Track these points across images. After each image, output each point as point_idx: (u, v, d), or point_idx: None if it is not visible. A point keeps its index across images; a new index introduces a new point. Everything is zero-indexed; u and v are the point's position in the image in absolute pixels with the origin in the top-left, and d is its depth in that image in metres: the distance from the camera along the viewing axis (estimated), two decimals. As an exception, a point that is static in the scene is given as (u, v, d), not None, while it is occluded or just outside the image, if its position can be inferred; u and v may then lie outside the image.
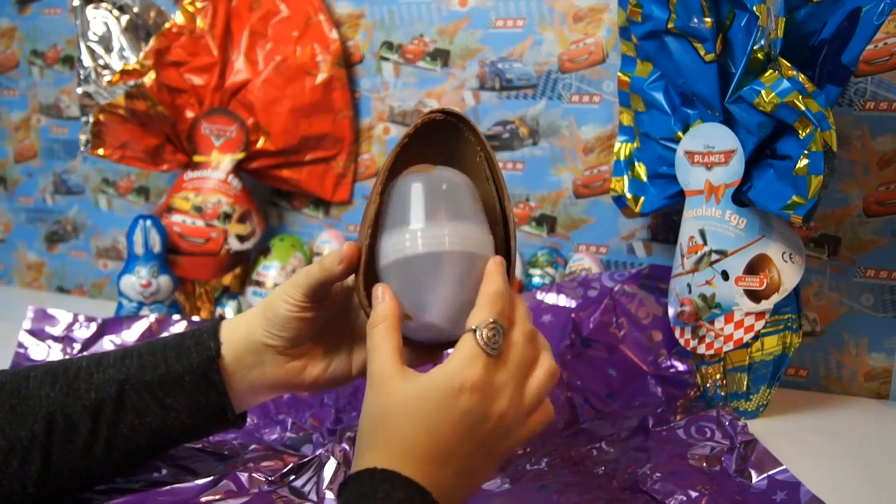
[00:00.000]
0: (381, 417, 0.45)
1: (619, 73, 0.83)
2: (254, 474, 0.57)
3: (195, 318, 0.93)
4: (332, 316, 0.58)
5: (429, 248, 0.49)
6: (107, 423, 0.53)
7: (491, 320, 0.46)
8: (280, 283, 0.56)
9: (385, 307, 0.48)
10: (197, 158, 1.04)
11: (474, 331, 0.46)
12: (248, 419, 0.77)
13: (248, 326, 0.56)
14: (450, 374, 0.45)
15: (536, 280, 0.94)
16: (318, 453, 0.58)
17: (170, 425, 0.55)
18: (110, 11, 1.03)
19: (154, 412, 0.54)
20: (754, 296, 0.72)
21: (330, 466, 0.57)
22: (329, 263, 0.53)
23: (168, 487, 0.55)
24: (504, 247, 0.53)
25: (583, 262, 0.93)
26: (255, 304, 1.03)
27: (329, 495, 0.55)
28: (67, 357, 0.55)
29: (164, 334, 0.74)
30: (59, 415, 0.53)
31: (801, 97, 0.64)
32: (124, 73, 0.99)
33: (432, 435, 0.44)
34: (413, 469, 0.43)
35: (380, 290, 0.49)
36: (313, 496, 0.56)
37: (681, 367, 0.81)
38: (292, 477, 0.57)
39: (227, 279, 1.06)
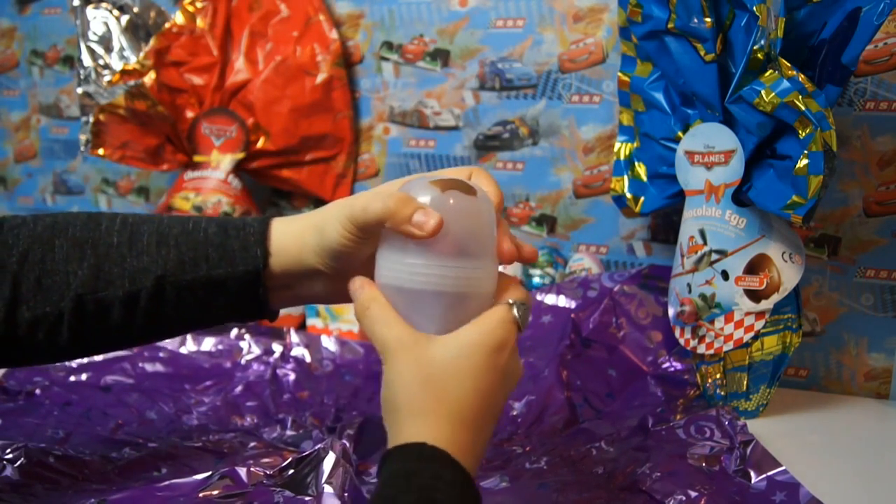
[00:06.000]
0: (423, 382, 0.44)
1: (619, 73, 0.83)
2: (252, 469, 0.57)
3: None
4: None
5: (424, 286, 0.47)
6: (142, 313, 0.53)
7: (524, 301, 0.48)
8: (334, 205, 0.53)
9: (368, 292, 0.48)
10: (197, 158, 1.04)
11: (512, 304, 0.48)
12: (248, 419, 0.77)
13: (300, 247, 0.53)
14: (487, 333, 0.45)
15: (536, 280, 0.94)
16: (316, 448, 0.58)
17: (206, 320, 0.56)
18: (110, 11, 1.03)
19: (192, 309, 0.54)
20: (754, 295, 0.72)
21: (329, 461, 0.57)
22: (392, 210, 0.47)
23: (166, 483, 0.55)
24: None
25: (583, 262, 0.93)
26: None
27: (328, 489, 0.55)
28: (92, 222, 0.54)
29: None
30: (90, 298, 0.51)
31: (801, 97, 0.64)
32: (124, 73, 0.99)
33: (479, 394, 0.44)
34: (463, 437, 0.43)
35: (358, 283, 0.49)
36: (312, 490, 0.56)
37: (680, 367, 0.81)
38: (291, 471, 0.57)
39: (227, 279, 1.06)
